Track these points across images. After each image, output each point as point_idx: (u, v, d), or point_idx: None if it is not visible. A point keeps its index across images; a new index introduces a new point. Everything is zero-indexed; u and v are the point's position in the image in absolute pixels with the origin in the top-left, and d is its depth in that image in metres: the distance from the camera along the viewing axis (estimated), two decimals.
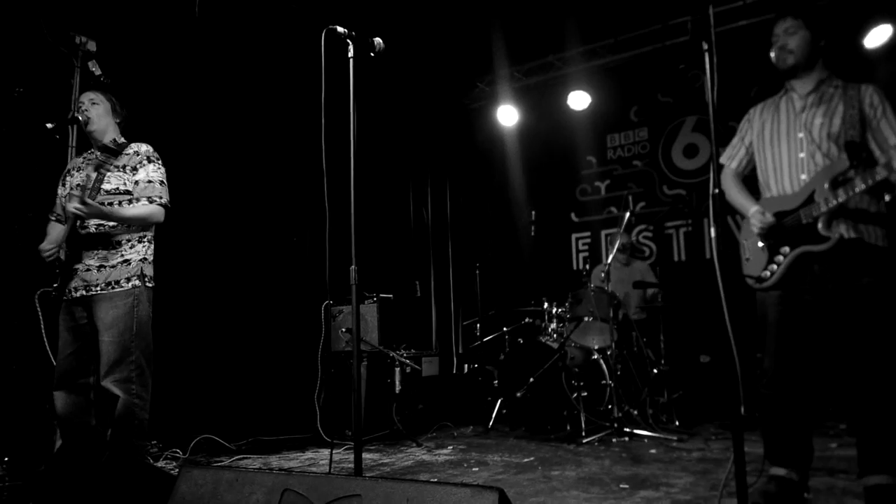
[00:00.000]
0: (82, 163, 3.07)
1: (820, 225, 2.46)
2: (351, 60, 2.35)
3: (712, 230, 1.64)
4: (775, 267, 2.59)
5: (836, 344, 2.51)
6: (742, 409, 1.62)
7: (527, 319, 5.40)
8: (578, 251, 6.71)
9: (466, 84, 7.18)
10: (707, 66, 1.65)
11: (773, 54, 2.63)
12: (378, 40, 2.40)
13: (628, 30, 6.08)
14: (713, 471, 3.23)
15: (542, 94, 6.83)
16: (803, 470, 2.57)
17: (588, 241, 6.65)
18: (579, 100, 6.31)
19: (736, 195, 2.83)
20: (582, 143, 6.65)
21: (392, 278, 6.09)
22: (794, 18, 2.57)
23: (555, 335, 4.91)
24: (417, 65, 6.09)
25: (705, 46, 1.66)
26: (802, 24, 2.56)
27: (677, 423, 4.62)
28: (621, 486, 2.96)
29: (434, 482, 1.48)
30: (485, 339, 5.61)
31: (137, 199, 2.91)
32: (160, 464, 3.71)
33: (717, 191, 1.68)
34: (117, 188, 2.91)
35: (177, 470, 3.61)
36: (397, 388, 4.82)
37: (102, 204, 2.85)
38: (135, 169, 2.94)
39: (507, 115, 6.73)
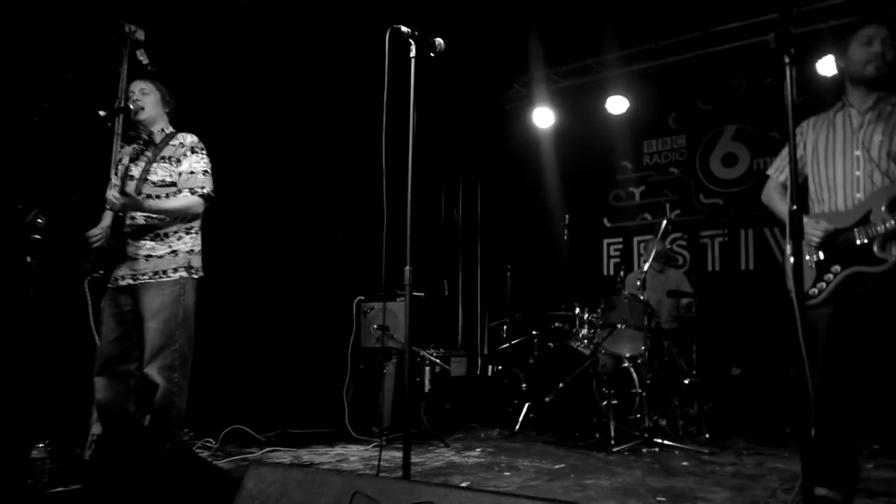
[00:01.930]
0: (132, 152, 3.10)
1: (875, 247, 2.41)
2: (412, 60, 2.35)
3: (788, 247, 1.60)
4: (824, 285, 2.55)
5: (884, 363, 2.47)
6: (812, 431, 1.59)
7: (556, 324, 5.36)
8: (609, 257, 6.66)
9: (502, 84, 7.15)
10: (787, 78, 1.62)
11: (861, 56, 2.51)
12: (439, 41, 2.39)
13: (669, 36, 6.01)
14: (749, 486, 3.19)
15: (578, 97, 6.77)
16: (849, 492, 2.52)
17: (620, 246, 6.59)
18: (617, 104, 6.26)
19: (782, 207, 2.79)
20: (618, 148, 6.58)
21: (420, 276, 6.07)
22: (890, 30, 2.50)
23: (586, 341, 4.87)
24: (453, 63, 6.06)
25: (787, 59, 1.62)
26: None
27: (707, 435, 4.57)
28: (658, 498, 2.93)
29: (513, 495, 1.46)
30: (513, 342, 5.59)
31: (181, 191, 2.94)
32: (195, 452, 3.74)
33: (794, 207, 1.65)
34: (163, 180, 2.94)
35: (210, 460, 3.65)
36: (426, 388, 4.82)
37: (150, 196, 2.88)
38: (179, 160, 2.97)
39: (543, 117, 6.68)
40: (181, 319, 2.86)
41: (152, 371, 2.78)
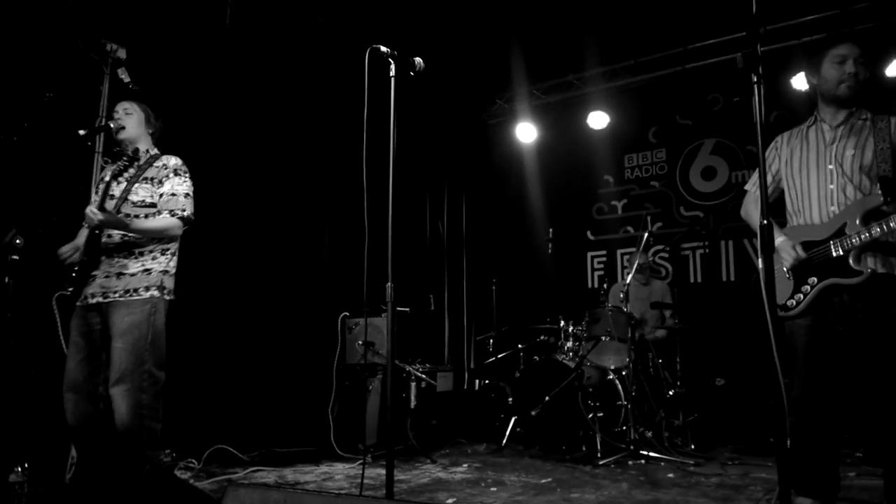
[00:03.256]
0: (115, 169, 3.07)
1: (850, 259, 2.46)
2: (392, 79, 2.38)
3: (759, 261, 1.64)
4: (801, 296, 2.59)
5: (864, 373, 2.50)
6: (788, 442, 1.61)
7: (542, 337, 5.38)
8: (594, 269, 6.71)
9: (485, 100, 7.22)
10: (756, 97, 1.66)
11: (834, 75, 2.55)
12: (418, 60, 2.42)
13: (648, 52, 6.12)
14: (734, 497, 3.21)
15: (560, 113, 6.86)
16: (830, 500, 2.55)
17: (604, 259, 6.65)
18: (598, 119, 6.35)
19: (758, 221, 2.83)
20: (600, 162, 6.67)
21: (406, 291, 6.07)
22: (861, 49, 2.53)
23: (571, 354, 4.89)
24: (436, 79, 6.13)
25: (755, 79, 1.67)
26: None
27: (692, 446, 4.59)
28: None
29: None
30: (499, 356, 5.59)
31: (160, 212, 2.91)
32: (175, 474, 3.69)
33: (765, 222, 1.68)
34: (143, 200, 2.92)
35: (192, 481, 3.60)
36: (412, 403, 4.80)
37: (128, 216, 2.86)
38: (161, 182, 2.95)
39: (526, 132, 6.75)
40: (150, 340, 2.78)
41: (117, 393, 2.69)
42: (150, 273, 2.87)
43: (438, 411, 5.06)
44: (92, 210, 2.67)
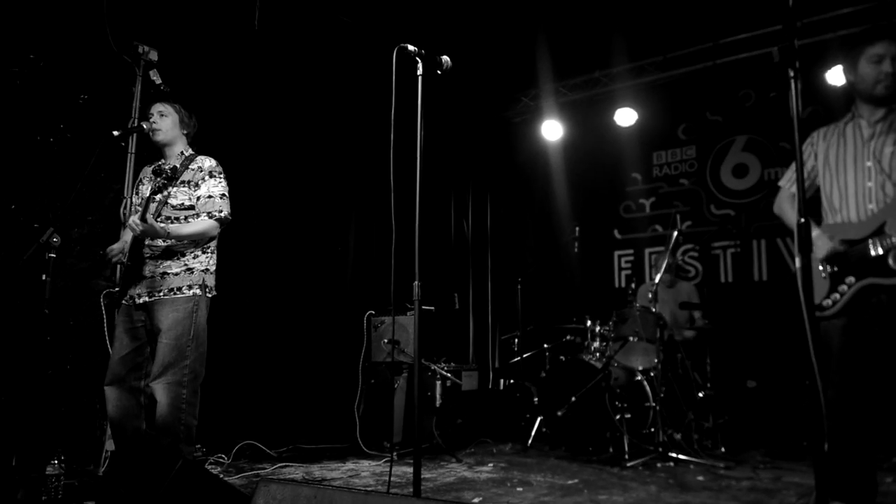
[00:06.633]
0: (154, 185, 3.14)
1: (890, 258, 2.39)
2: (419, 78, 2.37)
3: (797, 260, 1.60)
4: (838, 296, 2.53)
5: None
6: (826, 445, 1.57)
7: (568, 337, 5.33)
8: (621, 269, 6.62)
9: (509, 98, 7.18)
10: (792, 91, 1.62)
11: (870, 75, 2.51)
12: (446, 58, 2.42)
13: (677, 47, 6.02)
14: (766, 502, 3.15)
15: (587, 110, 6.78)
16: None
17: (631, 258, 6.56)
18: (626, 116, 6.26)
19: (793, 218, 2.77)
20: (627, 160, 6.57)
21: (431, 290, 6.07)
22: None
23: (598, 354, 4.84)
24: (460, 77, 6.11)
25: (791, 73, 1.63)
26: None
27: (723, 449, 4.51)
28: None
29: None
30: (524, 356, 5.56)
31: (199, 214, 3.00)
32: (207, 469, 3.75)
33: (803, 220, 1.64)
34: (182, 203, 3.01)
35: (221, 476, 3.65)
36: (437, 402, 4.80)
37: (169, 219, 2.95)
38: (197, 185, 3.03)
39: (552, 130, 6.70)
40: (193, 336, 2.90)
41: (158, 386, 2.81)
42: (192, 272, 2.98)
43: (463, 410, 5.05)
44: (135, 221, 2.78)
